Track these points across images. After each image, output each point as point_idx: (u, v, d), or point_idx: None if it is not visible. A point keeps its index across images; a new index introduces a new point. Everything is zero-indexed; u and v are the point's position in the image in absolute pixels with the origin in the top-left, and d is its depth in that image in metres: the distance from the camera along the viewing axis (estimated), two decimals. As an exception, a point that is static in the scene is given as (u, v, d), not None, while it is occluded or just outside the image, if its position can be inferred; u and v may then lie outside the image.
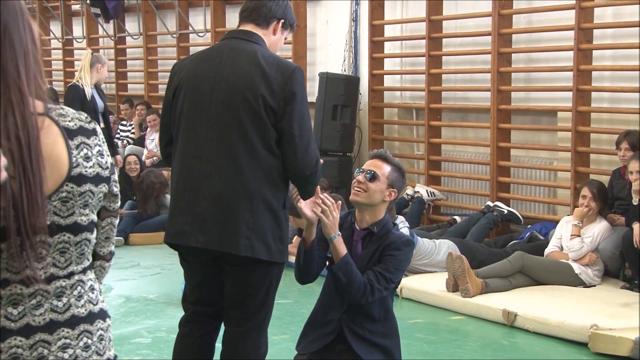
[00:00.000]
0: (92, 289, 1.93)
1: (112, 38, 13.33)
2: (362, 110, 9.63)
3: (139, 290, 7.04)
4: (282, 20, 3.71)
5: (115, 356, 1.98)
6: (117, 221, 2.07)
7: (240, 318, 3.62)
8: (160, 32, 12.63)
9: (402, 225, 6.62)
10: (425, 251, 6.95)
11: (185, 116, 3.57)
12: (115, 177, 1.98)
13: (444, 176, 9.06)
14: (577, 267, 6.64)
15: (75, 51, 14.38)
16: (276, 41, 3.72)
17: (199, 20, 11.68)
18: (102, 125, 8.03)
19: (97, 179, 1.86)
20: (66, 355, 1.84)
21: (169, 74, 3.80)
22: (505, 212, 7.93)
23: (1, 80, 1.71)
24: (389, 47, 9.59)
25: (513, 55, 8.25)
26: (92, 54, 8.43)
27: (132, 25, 13.20)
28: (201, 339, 3.74)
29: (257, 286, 3.58)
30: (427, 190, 8.67)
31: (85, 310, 1.89)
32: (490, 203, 8.07)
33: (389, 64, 9.65)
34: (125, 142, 11.77)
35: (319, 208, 3.65)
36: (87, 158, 1.84)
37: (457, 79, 8.99)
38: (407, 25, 9.42)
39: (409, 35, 9.37)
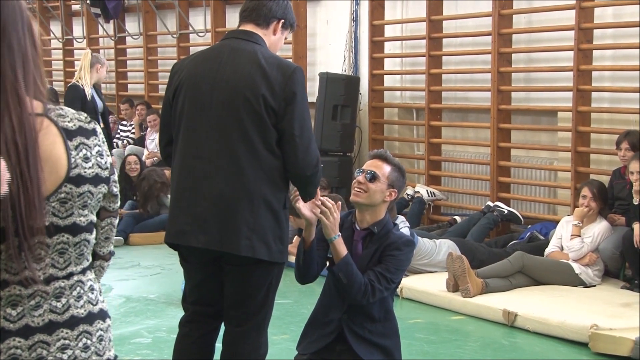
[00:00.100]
0: (91, 289, 1.92)
1: (112, 38, 13.33)
2: (362, 110, 9.63)
3: (139, 290, 7.04)
4: (282, 20, 3.71)
5: (116, 356, 1.98)
6: (116, 221, 2.07)
7: (241, 318, 3.62)
8: (161, 32, 12.63)
9: (403, 225, 6.62)
10: (426, 251, 6.95)
11: (185, 116, 3.57)
12: (115, 177, 1.98)
13: (444, 176, 9.06)
14: (577, 267, 6.64)
15: (75, 51, 14.38)
16: (276, 41, 3.72)
17: (199, 20, 11.68)
18: (101, 125, 8.02)
19: (96, 180, 1.86)
20: (65, 356, 1.84)
21: (169, 74, 3.79)
22: (506, 212, 7.93)
23: None
24: (389, 47, 9.59)
25: (513, 55, 8.25)
26: (91, 54, 8.43)
27: (132, 25, 13.20)
28: (201, 339, 3.74)
29: (257, 286, 3.58)
30: (427, 190, 8.67)
31: (85, 310, 1.88)
32: (490, 203, 8.07)
33: (389, 64, 9.65)
34: (125, 142, 11.77)
35: (318, 209, 3.65)
36: (86, 159, 1.84)
37: (457, 79, 8.99)
38: (407, 25, 9.42)
39: (409, 35, 9.37)
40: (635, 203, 6.49)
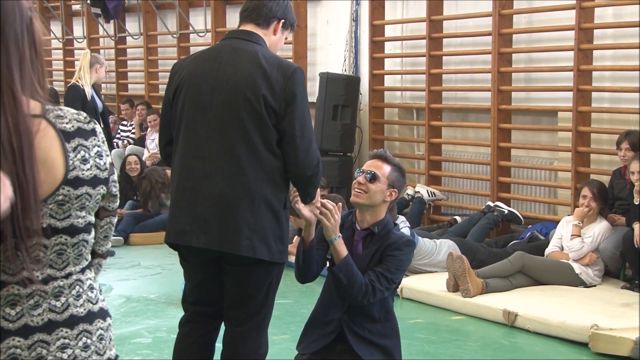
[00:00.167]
0: (91, 288, 1.92)
1: (113, 38, 13.33)
2: (362, 110, 9.62)
3: (139, 290, 7.04)
4: (283, 20, 3.71)
5: (117, 356, 1.97)
6: (115, 220, 2.07)
7: (241, 318, 3.62)
8: (161, 32, 12.63)
9: (403, 225, 6.62)
10: (426, 251, 6.95)
11: (185, 116, 3.57)
12: (115, 177, 1.97)
13: (444, 176, 9.06)
14: (577, 267, 6.64)
15: (75, 51, 14.37)
16: (276, 41, 3.72)
17: (200, 20, 11.68)
18: (101, 125, 8.00)
19: (94, 181, 1.85)
20: (65, 356, 1.83)
21: (169, 74, 3.79)
22: (506, 212, 7.93)
23: None
24: (389, 47, 9.59)
25: (513, 55, 8.25)
26: (90, 54, 8.43)
27: (132, 25, 13.20)
28: (201, 339, 3.74)
29: (258, 286, 3.59)
30: (427, 191, 8.67)
31: (84, 309, 1.88)
32: (490, 203, 8.07)
33: (389, 64, 9.65)
34: (125, 142, 11.77)
35: (317, 210, 3.65)
36: (84, 161, 1.83)
37: (457, 79, 8.99)
38: (408, 25, 9.42)
39: (410, 35, 9.37)
40: (636, 203, 6.49)
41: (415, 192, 8.65)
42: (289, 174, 3.55)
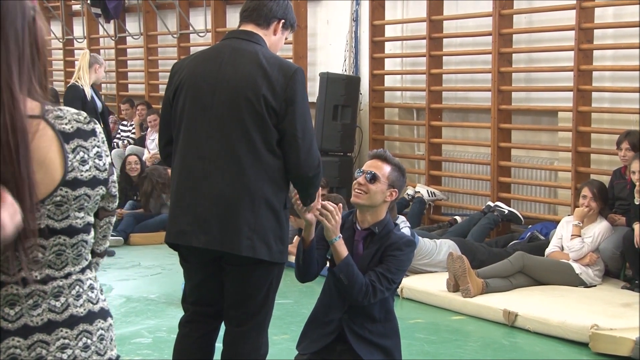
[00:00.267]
0: (91, 288, 1.91)
1: (113, 38, 13.33)
2: (362, 110, 9.62)
3: (139, 290, 7.04)
4: (283, 21, 3.70)
5: (118, 356, 1.97)
6: (114, 220, 2.07)
7: (241, 318, 3.62)
8: (161, 32, 12.63)
9: (403, 225, 6.62)
10: (426, 251, 6.95)
11: (186, 116, 3.56)
12: (114, 177, 1.97)
13: (444, 176, 9.06)
14: (577, 267, 6.64)
15: (75, 51, 14.37)
16: (277, 41, 3.72)
17: (200, 20, 11.68)
18: (101, 125, 8.00)
19: (93, 182, 1.85)
20: (65, 356, 1.83)
21: (169, 73, 3.79)
22: (506, 212, 7.92)
23: None
24: (389, 47, 9.59)
25: (514, 55, 8.25)
26: (89, 54, 8.42)
27: (132, 25, 13.20)
28: (201, 339, 3.74)
29: (258, 286, 3.58)
30: (427, 191, 8.67)
31: (84, 309, 1.87)
32: (490, 203, 8.07)
33: (389, 64, 9.65)
34: (125, 142, 11.77)
35: (317, 211, 3.65)
36: (83, 161, 1.83)
37: (457, 79, 8.99)
38: (408, 25, 9.42)
39: (410, 35, 9.37)
40: (637, 203, 6.48)
41: (416, 192, 8.65)
42: (289, 174, 3.55)
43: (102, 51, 13.72)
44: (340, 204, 3.79)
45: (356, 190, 3.82)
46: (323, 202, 3.68)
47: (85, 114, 1.89)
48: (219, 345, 3.75)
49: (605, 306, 6.01)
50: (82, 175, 1.82)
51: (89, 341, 1.87)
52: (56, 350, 1.82)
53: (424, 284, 6.68)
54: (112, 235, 2.19)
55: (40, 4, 14.22)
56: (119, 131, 11.99)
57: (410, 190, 8.65)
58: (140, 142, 11.43)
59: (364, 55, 9.66)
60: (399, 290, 6.33)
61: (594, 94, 7.60)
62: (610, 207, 6.97)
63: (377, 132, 9.63)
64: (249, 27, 3.66)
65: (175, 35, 12.10)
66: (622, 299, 6.25)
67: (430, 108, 8.87)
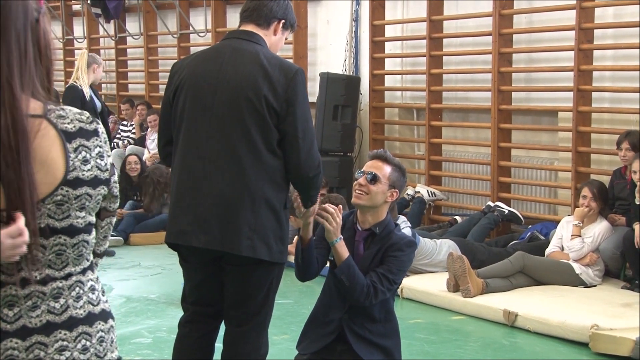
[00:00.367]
0: (92, 289, 1.90)
1: (113, 38, 13.33)
2: (362, 110, 9.62)
3: (139, 290, 7.04)
4: (283, 21, 3.70)
5: (119, 358, 1.96)
6: (115, 220, 2.07)
7: (241, 318, 3.62)
8: (161, 32, 12.63)
9: (404, 225, 6.61)
10: (427, 251, 6.95)
11: (186, 116, 3.56)
12: (115, 178, 1.96)
13: (444, 176, 9.06)
14: (577, 267, 6.64)
15: (76, 51, 14.36)
16: (277, 41, 3.72)
17: (200, 20, 11.68)
18: (101, 125, 7.98)
19: (95, 182, 1.85)
20: (63, 358, 1.82)
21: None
22: (506, 212, 7.92)
23: None
24: (389, 47, 9.59)
25: (514, 55, 8.25)
26: (88, 54, 8.42)
27: (132, 25, 13.20)
28: (201, 339, 3.74)
29: (258, 286, 3.58)
30: (427, 191, 8.66)
31: (84, 311, 1.87)
32: (491, 203, 8.07)
33: (389, 64, 9.65)
34: (126, 142, 11.77)
35: (318, 214, 3.66)
36: (85, 161, 1.82)
37: (457, 79, 8.99)
38: (408, 25, 9.42)
39: (410, 35, 9.37)
40: (637, 203, 6.48)
41: (416, 192, 8.65)
42: (289, 175, 3.55)
43: (102, 51, 13.72)
44: (340, 206, 3.79)
45: (357, 191, 3.82)
46: (323, 205, 3.67)
47: (87, 114, 1.88)
48: (219, 345, 3.75)
49: (606, 306, 6.01)
50: (83, 174, 1.82)
51: (87, 343, 1.86)
52: (54, 352, 1.81)
53: (424, 284, 6.68)
54: (112, 235, 2.18)
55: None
56: (119, 131, 11.99)
57: (410, 191, 8.65)
58: (141, 142, 11.43)
59: (364, 55, 9.66)
60: (399, 290, 6.32)
61: (594, 94, 7.60)
62: (610, 207, 6.97)
63: (377, 132, 9.63)
64: (249, 27, 3.66)
65: (175, 35, 12.10)
66: (622, 299, 6.25)
67: (430, 108, 8.87)
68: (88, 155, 1.83)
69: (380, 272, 3.72)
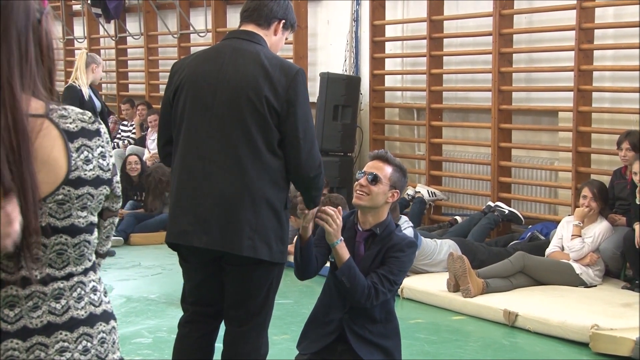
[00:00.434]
0: (94, 290, 1.90)
1: (113, 38, 13.33)
2: (363, 110, 9.62)
3: (139, 290, 7.04)
4: (283, 21, 3.70)
5: (121, 359, 1.96)
6: (117, 220, 2.07)
7: (241, 318, 3.62)
8: (161, 32, 12.63)
9: (407, 225, 6.61)
10: (428, 251, 6.95)
11: (186, 116, 3.56)
12: (118, 178, 1.96)
13: (445, 176, 9.06)
14: (578, 267, 6.64)
15: (76, 51, 14.36)
16: (277, 41, 3.72)
17: (200, 20, 11.68)
18: (103, 125, 7.98)
19: (97, 182, 1.84)
20: (63, 359, 1.81)
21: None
22: (506, 212, 7.92)
23: None
24: (390, 47, 9.59)
25: (514, 55, 8.25)
26: (87, 53, 8.42)
27: (133, 25, 13.20)
28: (201, 339, 3.74)
29: (258, 286, 3.58)
30: (428, 191, 8.66)
31: (86, 312, 1.86)
32: (491, 203, 8.07)
33: (390, 64, 9.65)
34: (126, 142, 11.78)
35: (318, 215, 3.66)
36: (87, 161, 1.82)
37: (458, 79, 8.99)
38: (408, 25, 9.42)
39: (410, 35, 9.37)
40: (638, 203, 6.48)
41: (416, 192, 8.65)
42: (291, 175, 3.55)
43: (102, 51, 13.72)
44: (340, 207, 3.78)
45: (358, 191, 3.81)
46: (323, 207, 3.67)
47: (90, 114, 1.88)
48: (219, 345, 3.75)
49: (606, 306, 6.01)
50: (85, 174, 1.82)
51: (89, 344, 1.85)
52: (55, 353, 1.80)
53: (425, 284, 6.68)
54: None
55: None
56: (120, 131, 11.99)
57: (410, 191, 8.65)
58: (141, 142, 11.44)
59: (364, 55, 9.66)
60: (399, 290, 6.33)
61: (595, 94, 7.60)
62: (610, 207, 6.97)
63: (378, 132, 9.63)
64: (250, 27, 3.66)
65: (175, 36, 12.10)
66: (623, 299, 6.25)
67: (430, 108, 8.87)
68: (90, 155, 1.83)
69: (381, 273, 3.72)
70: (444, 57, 8.92)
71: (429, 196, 8.65)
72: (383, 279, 3.71)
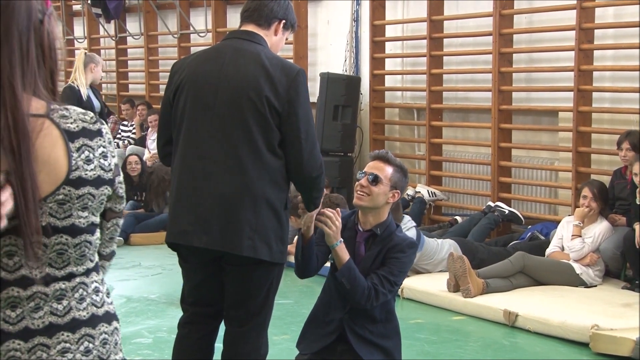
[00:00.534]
0: (96, 291, 1.90)
1: (113, 38, 13.33)
2: (363, 110, 9.63)
3: (140, 290, 7.04)
4: (284, 21, 3.71)
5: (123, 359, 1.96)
6: (121, 221, 2.05)
7: (241, 318, 3.62)
8: (161, 32, 12.63)
9: (410, 224, 6.62)
10: (430, 251, 6.95)
11: (187, 116, 3.56)
12: (121, 178, 1.95)
13: (445, 176, 9.06)
14: (578, 268, 6.64)
15: (76, 51, 14.35)
16: (277, 42, 3.72)
17: (200, 20, 11.68)
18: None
19: (98, 182, 1.84)
20: None
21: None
22: (506, 212, 7.92)
23: None
24: (390, 47, 9.59)
25: (514, 55, 8.25)
26: (85, 53, 8.42)
27: (133, 25, 13.20)
28: (201, 340, 3.74)
29: (258, 286, 3.58)
30: (428, 191, 8.66)
31: (87, 313, 1.86)
32: (491, 203, 8.07)
33: (390, 64, 9.65)
34: (126, 142, 11.78)
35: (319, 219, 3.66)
36: (88, 161, 1.82)
37: (458, 79, 8.99)
38: (408, 25, 9.42)
39: (410, 35, 9.37)
40: (638, 203, 6.48)
41: (416, 192, 8.65)
42: (292, 176, 3.55)
43: (102, 51, 13.72)
44: (338, 209, 3.78)
45: (358, 192, 3.81)
46: (322, 210, 3.67)
47: (92, 114, 1.88)
48: (219, 345, 3.75)
49: (606, 306, 6.01)
50: (86, 174, 1.81)
51: (90, 345, 1.85)
52: (56, 354, 1.80)
53: (425, 284, 6.68)
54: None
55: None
56: (120, 131, 12.00)
57: (410, 191, 8.64)
58: (141, 142, 11.44)
59: (364, 55, 9.67)
60: (399, 290, 6.33)
61: (595, 94, 7.60)
62: (610, 207, 6.97)
63: (378, 132, 9.63)
64: (250, 28, 3.66)
65: (175, 36, 12.10)
66: (623, 299, 6.25)
67: (430, 108, 8.87)
68: (91, 155, 1.83)
69: (382, 274, 3.72)
70: (444, 57, 8.92)
71: (429, 196, 8.65)
72: (383, 279, 3.71)
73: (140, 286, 7.21)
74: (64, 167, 1.78)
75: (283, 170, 3.53)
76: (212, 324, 3.77)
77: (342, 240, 3.71)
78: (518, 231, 7.94)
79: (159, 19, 12.46)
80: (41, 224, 1.75)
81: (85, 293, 1.87)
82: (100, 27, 13.55)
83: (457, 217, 8.41)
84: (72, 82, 8.13)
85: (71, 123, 1.82)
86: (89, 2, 12.50)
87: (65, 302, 1.83)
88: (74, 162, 1.79)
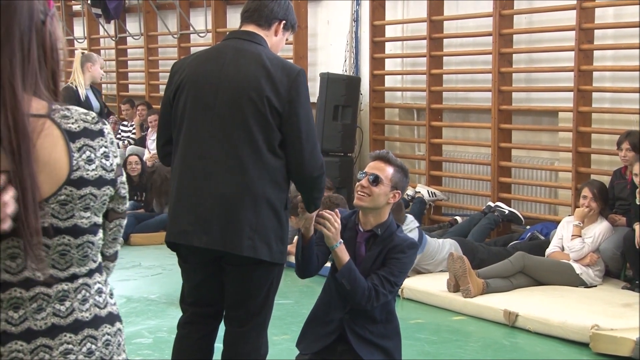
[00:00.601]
0: (99, 292, 1.89)
1: (113, 38, 13.33)
2: (363, 110, 9.63)
3: (140, 290, 7.04)
4: (284, 21, 3.71)
5: None
6: (125, 222, 2.04)
7: (241, 318, 3.62)
8: (161, 32, 12.63)
9: (413, 225, 6.61)
10: (432, 251, 6.95)
11: (187, 116, 3.56)
12: (123, 178, 1.95)
13: (445, 176, 9.06)
14: (578, 268, 6.64)
15: (76, 52, 14.35)
16: (278, 42, 3.72)
17: (200, 20, 11.68)
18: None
19: (99, 182, 1.84)
20: None
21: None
22: (506, 212, 7.93)
23: None
24: (390, 48, 9.59)
25: (514, 55, 8.25)
26: (82, 53, 8.43)
27: (133, 25, 13.20)
28: (201, 340, 3.74)
29: (258, 286, 3.59)
30: (428, 191, 8.67)
31: (90, 314, 1.86)
32: (491, 203, 8.07)
33: (390, 64, 9.65)
34: (126, 142, 11.77)
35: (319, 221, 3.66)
36: (89, 161, 1.82)
37: (458, 79, 8.99)
38: (408, 25, 9.42)
39: (410, 35, 9.37)
40: (638, 203, 6.48)
41: (416, 192, 8.65)
42: (293, 176, 3.55)
43: (102, 51, 13.72)
44: (337, 210, 3.78)
45: (359, 192, 3.80)
46: (320, 212, 3.67)
47: (94, 114, 1.87)
48: (218, 346, 3.76)
49: (606, 306, 6.01)
50: (88, 174, 1.81)
51: (93, 346, 1.85)
52: (59, 355, 1.80)
53: (425, 284, 6.68)
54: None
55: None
56: (120, 131, 11.99)
57: (410, 191, 8.64)
58: (141, 142, 11.44)
59: (364, 55, 9.67)
60: (399, 290, 6.32)
61: (595, 94, 7.60)
62: (610, 207, 6.97)
63: (378, 132, 9.63)
64: (250, 28, 3.66)
65: (175, 36, 12.10)
66: (623, 299, 6.26)
67: (430, 108, 8.87)
68: (93, 155, 1.82)
69: (382, 275, 3.72)
70: (444, 58, 8.93)
71: (429, 196, 8.65)
72: (384, 280, 3.70)
73: (140, 286, 7.21)
74: (64, 167, 1.78)
75: (283, 170, 3.53)
76: (212, 324, 3.77)
77: (341, 241, 3.71)
78: (518, 231, 7.95)
79: (159, 19, 12.46)
80: (43, 225, 1.75)
81: (88, 294, 1.86)
82: (100, 27, 13.55)
83: (457, 217, 8.41)
84: (71, 83, 8.15)
85: (72, 123, 1.82)
86: (89, 2, 12.50)
87: (67, 303, 1.82)
88: (75, 162, 1.79)
